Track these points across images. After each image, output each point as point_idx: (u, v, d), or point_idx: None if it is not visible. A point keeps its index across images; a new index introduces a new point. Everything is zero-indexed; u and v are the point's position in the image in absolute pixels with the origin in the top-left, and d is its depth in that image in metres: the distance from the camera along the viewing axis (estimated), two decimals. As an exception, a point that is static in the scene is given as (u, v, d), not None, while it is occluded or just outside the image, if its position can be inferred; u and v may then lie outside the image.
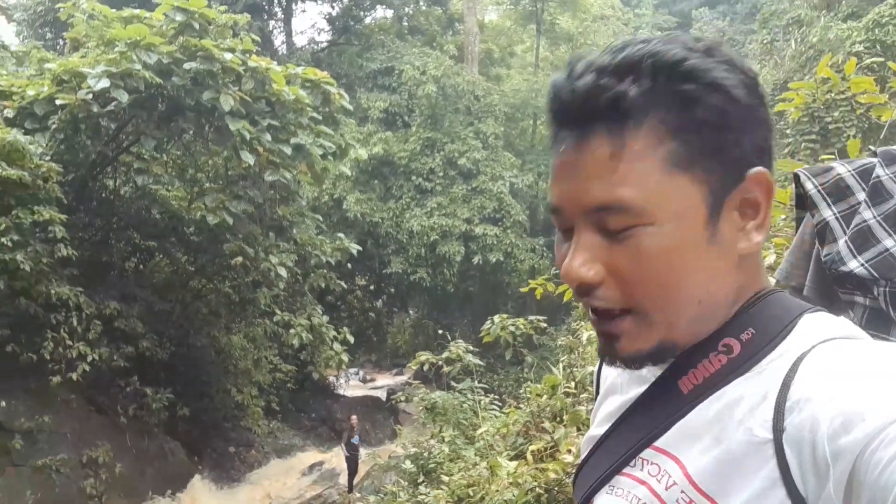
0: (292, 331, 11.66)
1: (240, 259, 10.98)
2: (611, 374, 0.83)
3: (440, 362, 8.93)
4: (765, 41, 19.31)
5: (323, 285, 13.08)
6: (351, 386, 18.35)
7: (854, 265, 1.36)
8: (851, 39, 13.86)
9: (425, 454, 7.52)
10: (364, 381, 19.43)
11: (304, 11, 31.61)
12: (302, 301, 12.63)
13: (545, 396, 5.89)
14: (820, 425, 0.54)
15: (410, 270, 18.09)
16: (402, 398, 11.12)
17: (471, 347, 9.04)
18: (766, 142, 0.66)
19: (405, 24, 23.34)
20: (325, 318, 12.54)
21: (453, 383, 8.60)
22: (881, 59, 3.80)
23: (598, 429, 0.80)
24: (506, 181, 18.56)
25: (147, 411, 11.33)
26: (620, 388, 0.79)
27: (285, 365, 14.33)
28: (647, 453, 0.70)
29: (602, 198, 0.62)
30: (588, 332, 6.20)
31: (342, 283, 13.44)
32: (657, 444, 0.68)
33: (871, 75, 4.01)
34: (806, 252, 1.47)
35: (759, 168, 0.64)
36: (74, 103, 9.95)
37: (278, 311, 11.92)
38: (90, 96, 9.84)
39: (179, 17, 10.54)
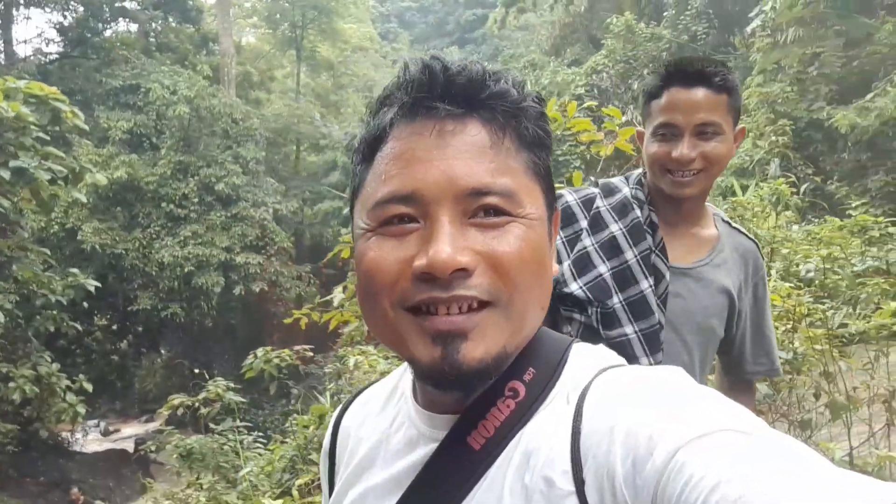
0: (12, 384, 9.95)
1: (-62, 302, 9.12)
2: (364, 441, 0.74)
3: (197, 404, 8.29)
4: (506, 81, 21.30)
5: (52, 328, 11.37)
6: (90, 440, 16.14)
7: (574, 287, 1.49)
8: (575, 83, 15.85)
9: (180, 507, 6.85)
10: (106, 433, 17.17)
11: (28, 18, 27.83)
12: (25, 348, 10.84)
13: (312, 427, 5.71)
14: (616, 469, 0.53)
15: (162, 306, 16.55)
16: (153, 448, 10.10)
17: (232, 385, 8.52)
18: None
19: (152, 40, 21.61)
20: (56, 367, 10.90)
21: (212, 425, 8.05)
22: (596, 103, 4.37)
23: None
24: (269, 207, 17.97)
25: None
26: (384, 458, 0.70)
27: (4, 424, 12.12)
28: None
29: (487, 180, 0.60)
30: (355, 357, 6.15)
31: (77, 326, 11.81)
32: None
33: (591, 115, 4.56)
34: None
35: (557, 205, 0.70)
36: None
37: (-8, 362, 10.09)
38: None
39: None
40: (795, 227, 6.53)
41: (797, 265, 4.97)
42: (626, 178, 1.64)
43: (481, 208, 0.60)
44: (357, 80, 26.46)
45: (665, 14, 16.99)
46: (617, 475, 0.53)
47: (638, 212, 1.55)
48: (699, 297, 1.56)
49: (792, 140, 9.81)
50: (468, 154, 0.60)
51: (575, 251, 1.54)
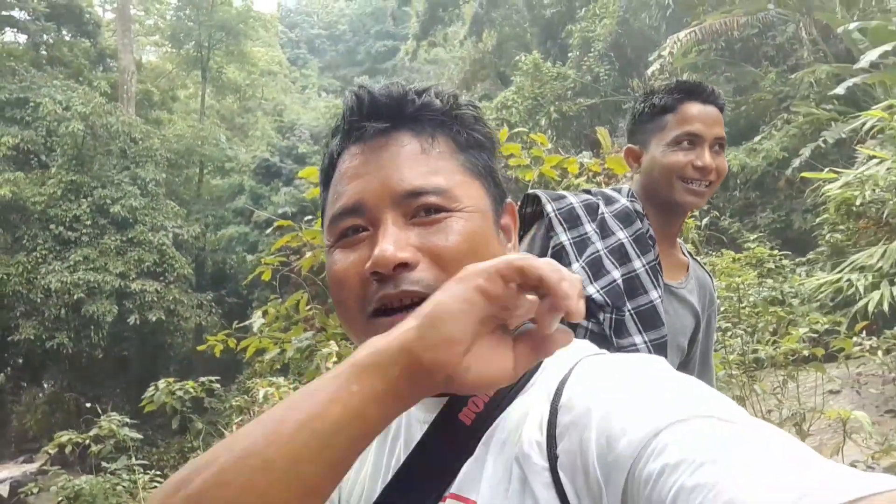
0: None
1: None
2: None
3: (88, 441, 7.74)
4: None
5: (-82, 360, 10.26)
6: (-42, 485, 14.60)
7: (591, 291, 1.48)
8: (486, 117, 16.24)
9: (65, 556, 6.31)
10: (-23, 475, 15.62)
11: None
12: None
13: (217, 465, 5.43)
14: (590, 448, 0.54)
15: (47, 336, 15.28)
16: (34, 490, 9.31)
17: (127, 420, 8.02)
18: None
19: (43, 52, 20.32)
20: (-80, 403, 9.82)
21: (104, 464, 7.55)
22: (526, 130, 4.46)
23: (361, 495, 0.73)
24: (168, 232, 17.11)
25: None
26: (378, 446, 0.74)
27: None
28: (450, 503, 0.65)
29: (419, 182, 0.66)
30: (264, 389, 5.88)
31: (-52, 356, 10.73)
32: (454, 490, 0.64)
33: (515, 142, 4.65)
34: None
35: (510, 200, 0.75)
36: None
37: None
38: None
39: None
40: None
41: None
42: (618, 191, 1.66)
43: (421, 208, 0.66)
44: (266, 103, 25.94)
45: (570, 55, 17.78)
46: (590, 452, 0.54)
47: (639, 223, 1.58)
48: (680, 317, 1.60)
49: (689, 177, 10.44)
50: (399, 162, 0.67)
51: (587, 255, 1.53)
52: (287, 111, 26.16)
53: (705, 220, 7.88)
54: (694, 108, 1.56)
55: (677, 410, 0.51)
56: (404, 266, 0.63)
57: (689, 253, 1.73)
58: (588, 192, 1.67)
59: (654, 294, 1.51)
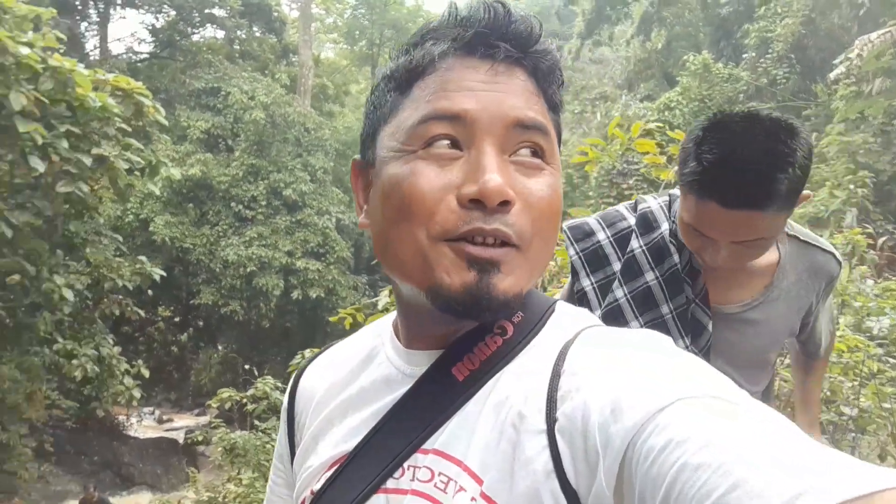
0: (75, 361, 10.36)
1: (17, 277, 9.62)
2: (338, 394, 0.72)
3: (245, 400, 8.41)
4: (576, 111, 21.28)
5: (118, 313, 11.83)
6: (144, 427, 16.67)
7: None
8: (647, 118, 15.67)
9: (219, 499, 6.99)
10: (160, 421, 17.69)
11: (123, 18, 29.44)
12: (91, 329, 11.29)
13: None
14: (591, 414, 0.53)
15: (222, 302, 17.01)
16: (199, 438, 10.32)
17: (279, 384, 8.62)
18: None
19: (236, 47, 22.52)
20: (117, 350, 11.30)
21: (258, 422, 8.16)
22: (663, 126, 4.24)
23: (333, 449, 0.68)
24: (332, 216, 18.31)
25: None
26: (361, 399, 0.69)
27: (65, 401, 12.67)
28: (415, 458, 0.62)
29: (537, 118, 0.61)
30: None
31: (141, 312, 12.26)
32: (427, 445, 0.61)
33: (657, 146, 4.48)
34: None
35: None
36: None
37: (60, 339, 10.53)
38: None
39: (-33, 1, 9.24)
40: (870, 282, 6.22)
41: (869, 320, 4.74)
42: (669, 206, 1.42)
43: (526, 143, 0.60)
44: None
45: (745, 56, 16.64)
46: (591, 419, 0.52)
47: (676, 257, 1.36)
48: (750, 338, 1.42)
49: (872, 193, 9.40)
50: (519, 93, 0.61)
51: (606, 303, 1.39)
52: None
53: (883, 239, 7.08)
54: (710, 209, 1.16)
55: (684, 388, 0.50)
56: (505, 203, 0.57)
57: (797, 236, 1.41)
58: (634, 207, 1.46)
59: (678, 343, 1.30)
